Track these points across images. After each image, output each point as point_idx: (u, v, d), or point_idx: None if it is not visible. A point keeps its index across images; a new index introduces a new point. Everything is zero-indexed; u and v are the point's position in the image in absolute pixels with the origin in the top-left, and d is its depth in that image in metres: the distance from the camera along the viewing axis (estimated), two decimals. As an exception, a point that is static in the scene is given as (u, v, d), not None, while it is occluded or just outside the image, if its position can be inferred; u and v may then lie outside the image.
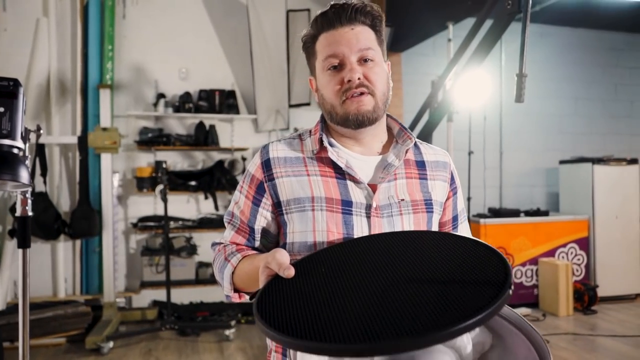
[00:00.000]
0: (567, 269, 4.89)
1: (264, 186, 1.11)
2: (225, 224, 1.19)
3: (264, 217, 1.13)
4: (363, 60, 1.06)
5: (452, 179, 1.20)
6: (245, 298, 1.12)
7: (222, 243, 1.17)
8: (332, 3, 1.09)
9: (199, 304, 4.72)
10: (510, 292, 0.71)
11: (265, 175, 1.11)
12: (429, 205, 1.12)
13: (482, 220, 5.03)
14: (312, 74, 1.16)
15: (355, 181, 1.08)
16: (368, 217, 1.06)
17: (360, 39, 1.05)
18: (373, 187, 1.08)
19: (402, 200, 1.09)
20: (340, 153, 1.11)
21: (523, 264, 5.13)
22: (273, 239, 1.16)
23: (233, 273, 1.08)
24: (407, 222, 1.08)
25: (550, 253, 5.23)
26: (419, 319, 0.67)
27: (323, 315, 0.73)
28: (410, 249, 0.90)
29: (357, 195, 1.07)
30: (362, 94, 1.05)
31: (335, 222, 1.05)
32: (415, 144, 1.18)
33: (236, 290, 1.11)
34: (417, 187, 1.12)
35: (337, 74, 1.06)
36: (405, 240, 0.94)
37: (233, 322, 4.28)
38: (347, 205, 1.06)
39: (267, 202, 1.12)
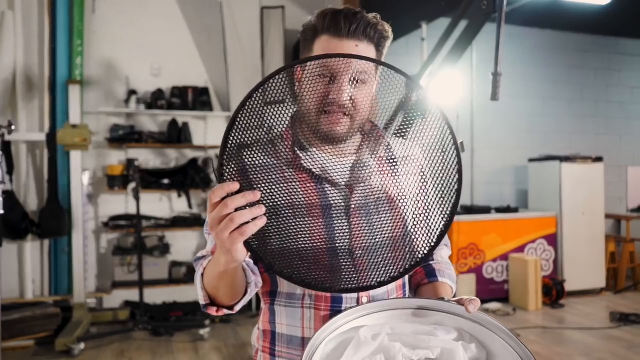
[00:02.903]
0: (536, 265, 5.02)
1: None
2: (206, 237, 1.13)
3: None
4: (355, 81, 1.02)
5: None
6: (224, 312, 1.06)
7: (205, 257, 1.11)
8: (346, 7, 1.05)
9: (172, 304, 4.65)
10: None
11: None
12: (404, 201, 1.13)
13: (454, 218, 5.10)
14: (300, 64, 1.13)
15: (332, 184, 1.06)
16: (348, 218, 1.04)
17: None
18: (350, 188, 1.07)
19: (379, 198, 1.08)
20: (314, 157, 1.07)
21: (494, 260, 5.24)
22: None
23: (202, 275, 1.02)
24: (386, 219, 1.08)
25: (520, 249, 5.35)
26: None
27: None
28: None
29: (335, 198, 1.05)
30: (342, 114, 1.02)
31: (316, 226, 1.03)
32: (388, 142, 1.18)
33: (212, 302, 1.05)
34: (391, 184, 1.12)
35: (324, 84, 1.02)
36: None
37: (207, 322, 4.24)
38: (326, 209, 1.04)
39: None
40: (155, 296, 4.68)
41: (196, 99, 4.81)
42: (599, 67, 6.64)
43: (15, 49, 4.40)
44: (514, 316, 4.80)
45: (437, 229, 1.01)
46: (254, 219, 0.85)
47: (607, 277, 5.75)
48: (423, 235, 1.01)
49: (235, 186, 0.85)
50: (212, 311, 1.05)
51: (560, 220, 5.52)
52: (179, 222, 4.72)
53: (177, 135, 4.73)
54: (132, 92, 4.65)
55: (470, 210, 5.40)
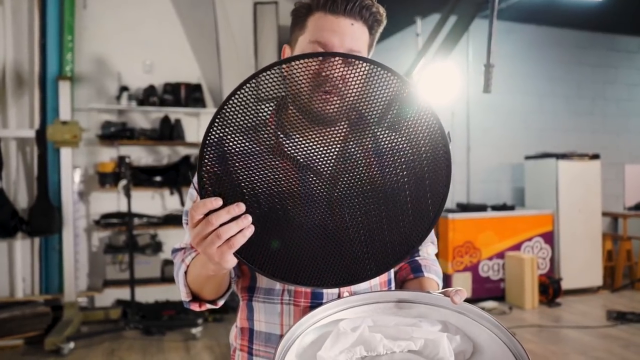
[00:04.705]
0: (532, 263, 4.97)
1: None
2: (185, 226, 1.10)
3: None
4: (347, 61, 0.99)
5: None
6: (206, 306, 1.05)
7: (183, 248, 1.10)
8: None
9: (164, 303, 4.60)
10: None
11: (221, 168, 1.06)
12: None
13: (450, 215, 5.06)
14: (290, 43, 1.09)
15: (316, 173, 1.03)
16: (331, 208, 1.02)
17: (354, 37, 1.00)
18: (334, 178, 1.04)
19: (364, 190, 1.05)
20: (298, 144, 1.03)
21: (490, 258, 5.19)
22: None
23: (186, 272, 1.01)
24: (370, 212, 1.05)
25: (516, 247, 5.31)
26: None
27: None
28: None
29: (318, 187, 1.02)
30: (332, 91, 1.00)
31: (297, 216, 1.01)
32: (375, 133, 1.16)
33: (195, 297, 1.04)
34: (376, 174, 1.10)
35: (316, 62, 0.99)
36: None
37: (200, 320, 4.18)
38: (308, 198, 1.01)
39: None
40: (147, 295, 4.63)
41: (189, 95, 4.76)
42: (595, 64, 6.60)
43: (5, 45, 4.35)
44: (510, 315, 4.76)
45: (424, 224, 0.98)
46: (241, 230, 0.82)
47: (604, 275, 5.71)
48: (408, 230, 0.98)
49: (218, 203, 0.81)
50: (195, 307, 1.03)
51: (556, 218, 5.48)
52: (171, 220, 4.67)
53: (169, 132, 4.67)
54: (123, 89, 4.60)
55: (466, 207, 5.36)
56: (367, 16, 1.01)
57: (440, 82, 4.20)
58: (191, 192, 1.10)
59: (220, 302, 1.05)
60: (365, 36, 1.03)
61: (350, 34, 1.00)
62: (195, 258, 1.00)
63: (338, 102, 1.01)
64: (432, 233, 1.24)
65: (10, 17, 4.36)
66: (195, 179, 1.10)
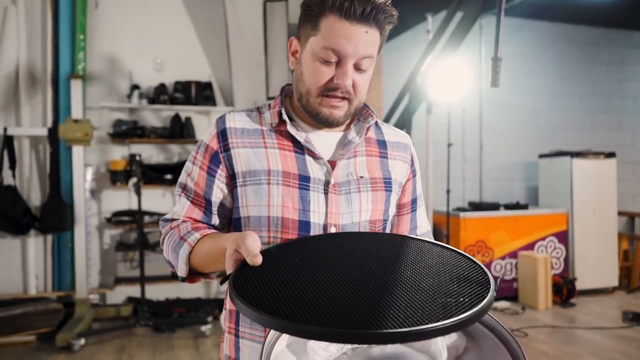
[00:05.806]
0: (546, 263, 4.90)
1: (219, 157, 1.06)
2: (177, 197, 1.12)
3: (220, 189, 1.08)
4: (358, 67, 1.01)
5: (412, 161, 1.20)
6: (200, 279, 1.08)
7: (174, 219, 1.10)
8: None
9: (175, 300, 4.62)
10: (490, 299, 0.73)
11: (220, 145, 1.06)
12: (388, 183, 1.11)
13: (461, 214, 5.01)
14: (298, 37, 1.07)
15: (314, 156, 1.06)
16: (326, 193, 1.04)
17: (368, 44, 0.99)
18: (332, 164, 1.06)
19: (361, 177, 1.08)
20: (299, 127, 1.08)
21: (502, 258, 5.13)
22: (227, 213, 1.11)
23: (190, 253, 1.02)
24: (365, 200, 1.07)
25: (530, 246, 5.23)
26: (402, 313, 0.67)
27: (304, 299, 0.72)
28: (386, 248, 0.90)
29: (315, 170, 1.05)
30: (342, 98, 1.02)
31: (291, 197, 1.02)
32: (377, 124, 1.17)
33: (191, 271, 1.05)
34: (377, 165, 1.11)
35: (329, 68, 1.00)
36: (378, 240, 0.95)
37: (209, 318, 4.19)
38: (304, 180, 1.03)
39: (222, 173, 1.07)
40: (158, 292, 4.64)
41: (199, 93, 4.78)
42: (610, 62, 6.48)
43: (18, 44, 4.39)
44: (523, 315, 4.69)
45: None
46: None
47: (619, 275, 5.60)
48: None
49: (258, 260, 0.83)
50: (189, 280, 1.06)
51: (571, 217, 5.39)
52: (181, 218, 4.68)
53: (179, 130, 4.69)
54: (134, 87, 4.63)
55: (478, 206, 5.30)
56: (382, 20, 1.00)
57: (451, 78, 4.15)
58: (187, 165, 1.12)
59: (214, 275, 1.08)
60: (377, 39, 1.02)
61: (364, 42, 0.99)
62: (202, 240, 1.01)
63: (347, 107, 1.05)
64: (431, 234, 1.23)
65: (23, 16, 4.41)
66: (193, 153, 1.11)
